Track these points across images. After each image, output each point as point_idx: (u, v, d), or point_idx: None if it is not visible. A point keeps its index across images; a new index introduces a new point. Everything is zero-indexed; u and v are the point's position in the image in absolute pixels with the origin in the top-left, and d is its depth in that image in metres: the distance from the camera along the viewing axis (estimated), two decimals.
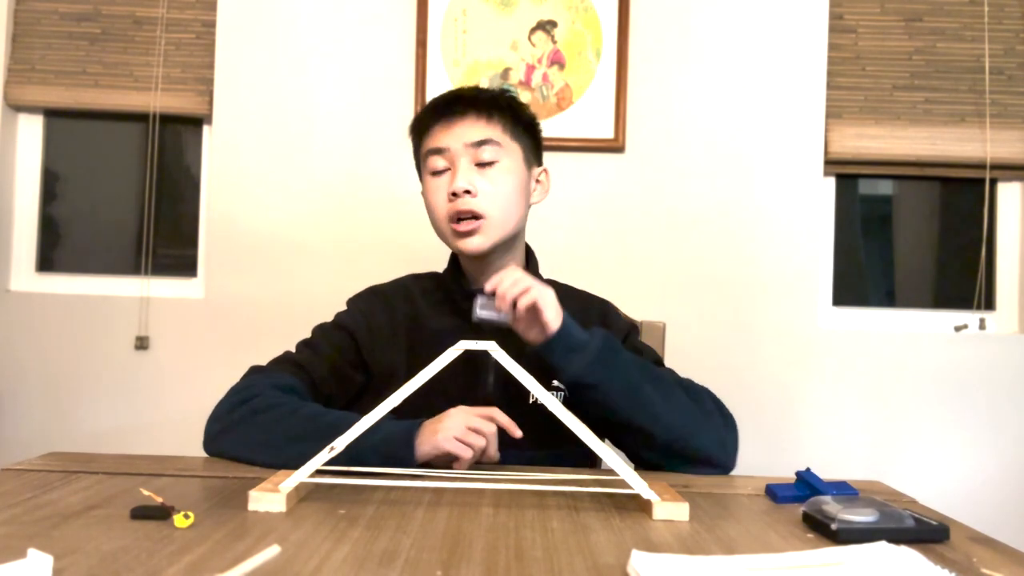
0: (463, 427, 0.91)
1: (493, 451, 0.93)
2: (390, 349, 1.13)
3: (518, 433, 0.93)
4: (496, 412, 0.94)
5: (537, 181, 1.18)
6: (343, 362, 1.12)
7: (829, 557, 0.62)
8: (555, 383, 1.09)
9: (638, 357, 1.06)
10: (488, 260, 1.13)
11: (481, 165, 1.09)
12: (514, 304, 0.97)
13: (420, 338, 1.13)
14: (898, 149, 2.10)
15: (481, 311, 0.99)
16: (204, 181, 2.18)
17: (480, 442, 0.91)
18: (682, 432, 1.00)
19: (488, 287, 0.99)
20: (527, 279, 0.98)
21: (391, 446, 0.90)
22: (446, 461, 0.92)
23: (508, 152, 1.11)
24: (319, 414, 0.98)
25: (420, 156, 1.15)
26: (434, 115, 1.12)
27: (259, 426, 0.97)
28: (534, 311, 0.97)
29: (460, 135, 1.09)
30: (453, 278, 1.17)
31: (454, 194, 1.07)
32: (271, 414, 0.98)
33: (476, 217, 1.07)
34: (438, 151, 1.10)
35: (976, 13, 2.12)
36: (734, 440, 1.04)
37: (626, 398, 0.99)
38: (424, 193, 1.15)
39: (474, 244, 1.09)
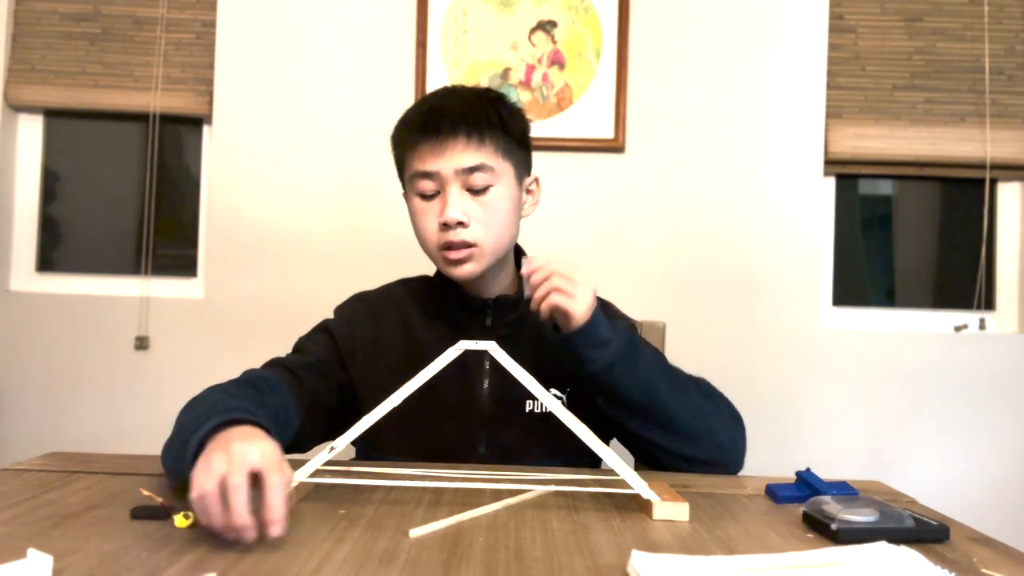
0: (217, 481, 0.64)
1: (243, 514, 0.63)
2: (372, 361, 1.10)
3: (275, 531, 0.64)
4: (274, 481, 0.64)
5: (528, 192, 1.13)
6: (327, 356, 1.09)
7: (829, 557, 0.62)
8: (553, 391, 1.06)
9: (658, 355, 1.04)
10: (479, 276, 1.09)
11: (472, 190, 1.03)
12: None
13: (410, 348, 1.09)
14: (898, 149, 2.10)
15: None
16: (204, 181, 2.18)
17: (215, 511, 0.63)
18: (695, 432, 0.99)
19: (524, 270, 0.96)
20: (560, 277, 0.93)
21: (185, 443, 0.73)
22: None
23: (500, 175, 1.05)
24: (210, 397, 0.88)
25: (404, 172, 1.10)
26: (421, 133, 1.04)
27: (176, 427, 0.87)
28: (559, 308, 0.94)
29: (450, 161, 1.02)
30: (444, 287, 1.13)
31: (445, 224, 1.02)
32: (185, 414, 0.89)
33: (468, 245, 1.03)
34: (426, 175, 1.04)
35: (976, 13, 2.11)
36: (743, 440, 1.04)
37: (644, 396, 0.98)
38: (410, 211, 1.09)
39: (466, 271, 1.04)
